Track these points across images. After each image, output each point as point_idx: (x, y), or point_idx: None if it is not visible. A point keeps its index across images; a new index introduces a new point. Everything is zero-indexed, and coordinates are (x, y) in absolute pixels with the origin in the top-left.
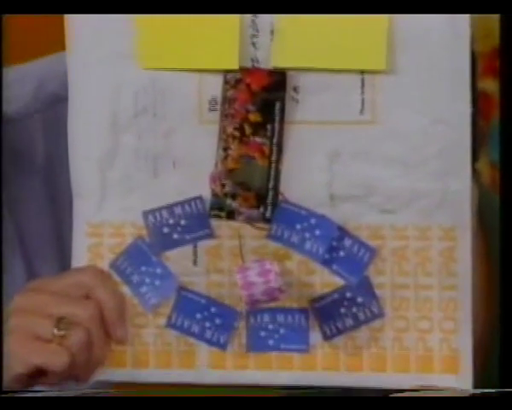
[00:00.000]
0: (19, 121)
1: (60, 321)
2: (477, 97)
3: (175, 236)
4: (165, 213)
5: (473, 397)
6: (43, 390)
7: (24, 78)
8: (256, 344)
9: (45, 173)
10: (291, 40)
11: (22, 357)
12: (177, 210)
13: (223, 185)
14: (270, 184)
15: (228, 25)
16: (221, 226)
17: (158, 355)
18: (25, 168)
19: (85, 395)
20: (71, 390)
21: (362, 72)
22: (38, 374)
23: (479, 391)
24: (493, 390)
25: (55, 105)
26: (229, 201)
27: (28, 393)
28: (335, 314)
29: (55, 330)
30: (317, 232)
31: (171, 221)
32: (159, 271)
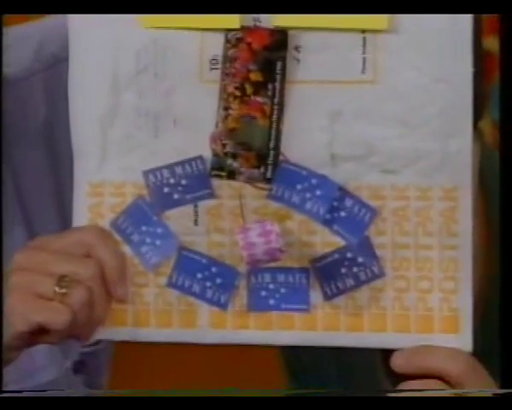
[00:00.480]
0: (19, 83)
1: (61, 279)
2: (482, 57)
3: (175, 195)
4: (165, 173)
5: (473, 397)
6: (42, 390)
7: (24, 39)
8: (257, 304)
9: (46, 135)
10: None
11: (23, 315)
12: (178, 170)
13: (223, 145)
14: (271, 144)
15: None
16: (222, 186)
17: (159, 315)
18: (25, 130)
19: (85, 395)
20: (71, 390)
21: (363, 31)
22: (40, 332)
23: (479, 392)
24: (493, 390)
25: (55, 66)
26: (229, 160)
27: (28, 393)
28: (336, 274)
29: (57, 288)
30: (318, 192)
31: (171, 181)
32: (159, 230)
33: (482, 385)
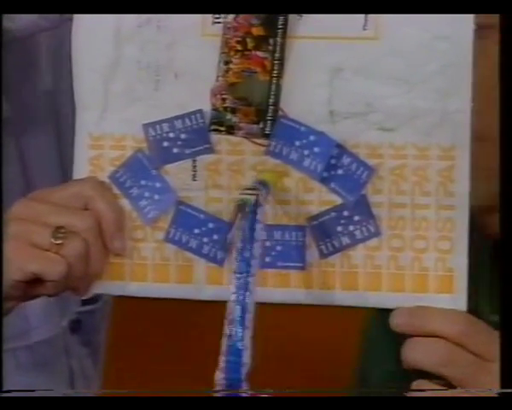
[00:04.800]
0: (24, 39)
1: (57, 230)
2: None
3: (175, 150)
4: (165, 127)
5: (473, 397)
6: (42, 390)
7: None
8: None
9: (49, 93)
10: None
11: (19, 264)
12: (178, 124)
13: (223, 100)
14: (271, 100)
15: None
16: (221, 141)
17: (156, 269)
18: (29, 87)
19: (85, 395)
20: (71, 390)
21: None
22: (36, 283)
23: (478, 391)
24: (493, 391)
25: (61, 24)
26: (229, 115)
27: (28, 393)
28: (332, 232)
29: (52, 239)
30: (316, 149)
31: (171, 135)
32: (158, 185)
33: (484, 342)
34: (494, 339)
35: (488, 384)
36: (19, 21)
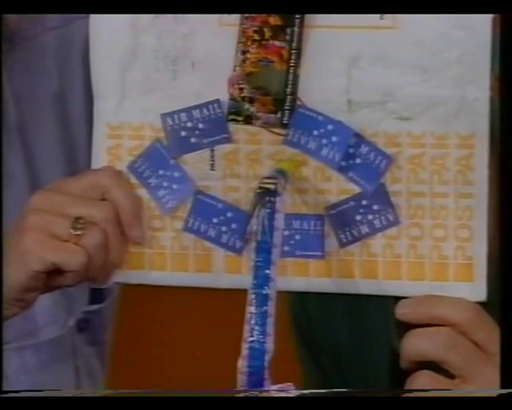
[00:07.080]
0: (31, 40)
1: (76, 221)
2: None
3: (193, 139)
4: (183, 116)
5: (473, 397)
6: (43, 390)
7: None
8: None
9: (56, 93)
10: None
11: (39, 254)
12: (196, 113)
13: (241, 89)
14: (288, 89)
15: None
16: (238, 131)
17: (175, 258)
18: (38, 88)
19: (85, 395)
20: (71, 390)
21: None
22: (55, 273)
23: (479, 391)
24: (493, 390)
25: (68, 23)
26: (246, 105)
27: (28, 393)
28: (351, 221)
29: (72, 230)
30: (334, 139)
31: (189, 124)
32: (176, 174)
33: (488, 334)
34: (497, 334)
35: (488, 376)
36: (25, 22)
